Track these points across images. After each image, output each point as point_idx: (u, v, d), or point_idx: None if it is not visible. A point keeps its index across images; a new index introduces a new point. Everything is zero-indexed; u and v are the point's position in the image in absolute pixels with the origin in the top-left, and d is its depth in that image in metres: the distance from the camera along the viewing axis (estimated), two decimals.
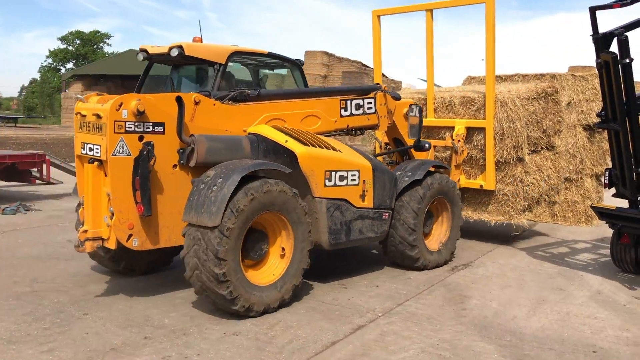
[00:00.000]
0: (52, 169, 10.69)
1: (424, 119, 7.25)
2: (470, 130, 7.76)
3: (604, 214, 6.46)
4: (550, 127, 8.06)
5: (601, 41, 5.73)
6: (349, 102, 6.45)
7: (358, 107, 6.53)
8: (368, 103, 6.65)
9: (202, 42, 5.77)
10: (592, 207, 6.74)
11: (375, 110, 6.75)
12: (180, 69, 6.22)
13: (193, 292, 5.36)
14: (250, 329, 4.53)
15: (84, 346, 4.13)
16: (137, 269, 5.79)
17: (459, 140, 7.60)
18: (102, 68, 45.37)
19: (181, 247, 4.88)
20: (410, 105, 6.86)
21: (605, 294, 5.77)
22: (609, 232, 6.80)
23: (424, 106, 8.09)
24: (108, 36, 62.83)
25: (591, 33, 5.80)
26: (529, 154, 7.73)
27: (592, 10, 5.75)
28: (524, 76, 9.69)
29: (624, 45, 5.70)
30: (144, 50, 5.82)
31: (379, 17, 8.54)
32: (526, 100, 7.68)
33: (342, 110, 6.37)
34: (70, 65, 60.25)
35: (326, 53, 29.99)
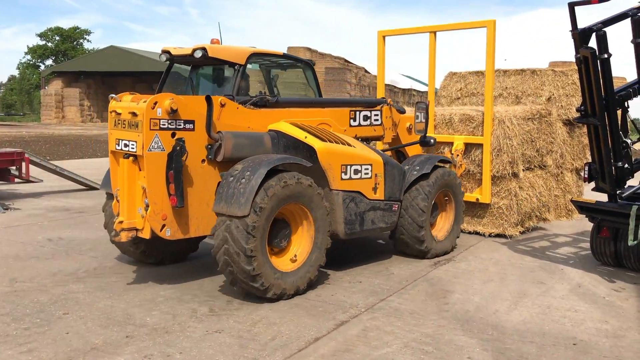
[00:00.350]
0: (31, 167, 10.54)
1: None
2: (468, 146, 8.14)
3: (583, 207, 6.53)
4: (543, 147, 8.57)
5: (580, 37, 5.78)
6: (357, 113, 6.82)
7: (366, 118, 6.91)
8: (375, 115, 7.02)
9: (219, 43, 6.01)
10: (572, 201, 6.81)
11: (381, 122, 7.12)
12: (199, 69, 6.54)
13: (175, 291, 5.35)
14: (233, 326, 4.51)
15: (65, 346, 4.08)
16: (165, 260, 6.11)
17: (457, 155, 7.88)
18: (82, 65, 44.89)
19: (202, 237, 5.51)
20: (417, 103, 7.14)
21: (586, 287, 5.84)
22: (589, 225, 6.88)
23: None
24: (88, 32, 62.34)
25: (570, 29, 5.85)
26: (523, 170, 8.14)
27: (571, 6, 5.79)
28: (505, 72, 9.78)
29: (602, 40, 5.76)
30: (166, 52, 6.08)
31: (384, 37, 8.91)
32: (522, 120, 8.15)
33: (352, 121, 6.74)
34: (49, 61, 59.60)
35: (309, 49, 29.91)
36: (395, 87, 32.04)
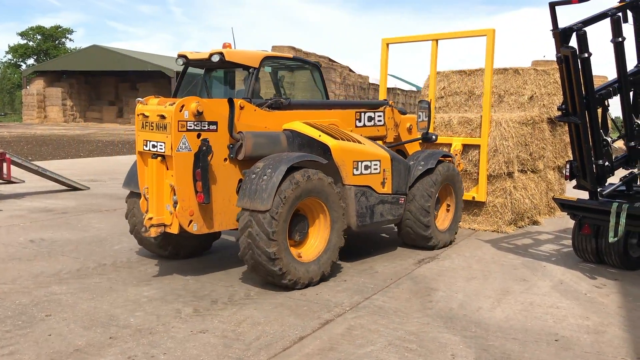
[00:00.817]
0: (12, 167, 10.43)
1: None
2: (466, 147, 8.53)
3: (565, 205, 6.60)
4: (536, 152, 8.99)
5: (561, 36, 5.84)
6: (362, 114, 7.19)
7: (370, 119, 7.29)
8: (378, 116, 7.40)
9: (231, 47, 6.24)
10: (554, 198, 6.88)
11: (384, 122, 7.50)
12: (212, 72, 6.84)
13: (159, 291, 5.32)
14: (218, 326, 4.50)
15: (47, 348, 4.05)
16: (181, 253, 6.39)
17: (456, 154, 8.21)
18: (65, 64, 44.44)
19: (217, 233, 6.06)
20: (420, 102, 7.53)
21: (567, 283, 5.90)
22: (571, 223, 6.96)
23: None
24: (70, 31, 61.76)
25: (551, 28, 5.91)
26: (517, 171, 8.58)
27: (552, 6, 5.85)
28: None
29: (582, 40, 5.82)
30: (183, 56, 6.32)
31: (388, 45, 9.40)
32: (517, 124, 8.58)
33: (357, 122, 7.11)
34: (31, 61, 58.88)
35: (293, 48, 29.86)
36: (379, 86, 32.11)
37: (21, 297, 5.09)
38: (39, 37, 59.44)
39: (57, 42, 60.24)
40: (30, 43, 59.43)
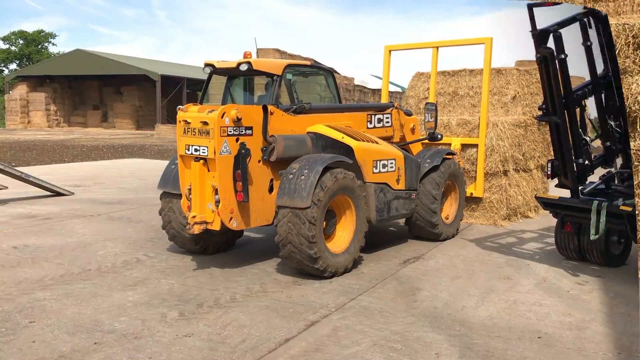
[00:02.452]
0: None
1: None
2: (464, 146, 9.08)
3: (547, 204, 6.68)
4: (528, 152, 9.48)
5: (539, 37, 5.92)
6: (373, 116, 7.61)
7: (379, 120, 7.72)
8: (386, 117, 7.81)
9: (251, 55, 6.60)
10: (536, 197, 6.95)
11: (391, 123, 7.90)
12: (234, 80, 7.24)
13: (144, 296, 5.31)
14: (203, 329, 4.51)
15: (31, 354, 4.03)
16: (209, 249, 6.74)
17: (454, 153, 8.52)
18: (48, 69, 44.09)
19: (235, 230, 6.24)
20: (427, 104, 7.94)
21: (550, 281, 5.97)
22: (554, 221, 7.03)
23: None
24: (53, 36, 61.29)
25: (530, 29, 5.98)
26: (512, 170, 9.08)
27: (530, 7, 5.93)
28: (471, 71, 9.93)
29: (558, 41, 5.91)
30: (210, 65, 6.68)
31: (390, 51, 9.90)
32: (512, 125, 9.09)
33: (368, 123, 7.53)
34: (13, 66, 58.37)
35: (278, 50, 29.82)
36: (365, 87, 32.18)
37: (4, 304, 5.05)
38: (21, 41, 58.95)
39: (40, 46, 59.79)
40: (13, 48, 58.94)
